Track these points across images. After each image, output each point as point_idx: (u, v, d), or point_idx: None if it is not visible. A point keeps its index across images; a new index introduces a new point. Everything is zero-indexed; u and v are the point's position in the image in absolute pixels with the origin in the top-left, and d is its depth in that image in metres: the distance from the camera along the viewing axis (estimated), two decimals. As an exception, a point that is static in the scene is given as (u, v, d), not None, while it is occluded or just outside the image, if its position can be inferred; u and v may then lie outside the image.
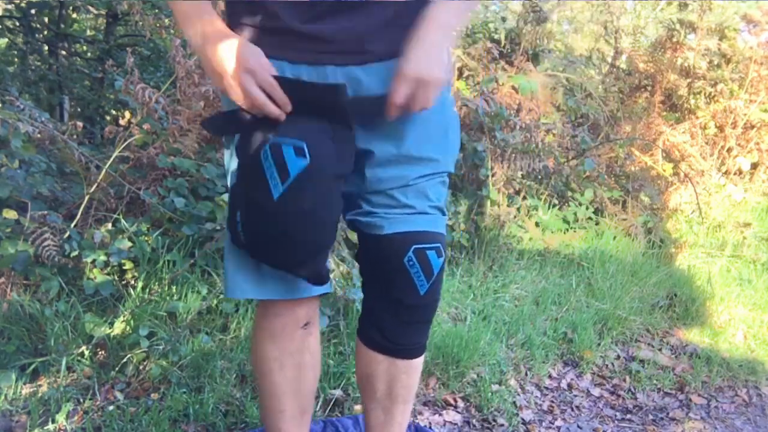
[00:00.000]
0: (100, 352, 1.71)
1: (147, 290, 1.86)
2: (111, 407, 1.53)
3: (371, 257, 1.12)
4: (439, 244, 1.08)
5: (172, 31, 2.47)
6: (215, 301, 1.89)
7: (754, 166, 4.64)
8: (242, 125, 1.00)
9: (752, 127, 4.57)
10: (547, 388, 2.06)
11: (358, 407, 1.70)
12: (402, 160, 1.06)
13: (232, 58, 0.93)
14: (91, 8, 4.27)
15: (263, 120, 0.97)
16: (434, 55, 0.97)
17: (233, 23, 1.02)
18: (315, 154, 0.93)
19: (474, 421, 1.78)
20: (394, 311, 1.12)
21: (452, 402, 1.84)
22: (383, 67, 1.00)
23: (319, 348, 1.19)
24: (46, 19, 3.94)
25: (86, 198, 1.94)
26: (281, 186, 0.92)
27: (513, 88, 3.52)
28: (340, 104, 0.97)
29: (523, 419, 1.84)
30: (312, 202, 0.96)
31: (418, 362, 1.21)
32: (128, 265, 1.90)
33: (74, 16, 4.52)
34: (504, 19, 4.53)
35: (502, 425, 1.78)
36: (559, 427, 1.85)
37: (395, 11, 0.99)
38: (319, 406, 1.68)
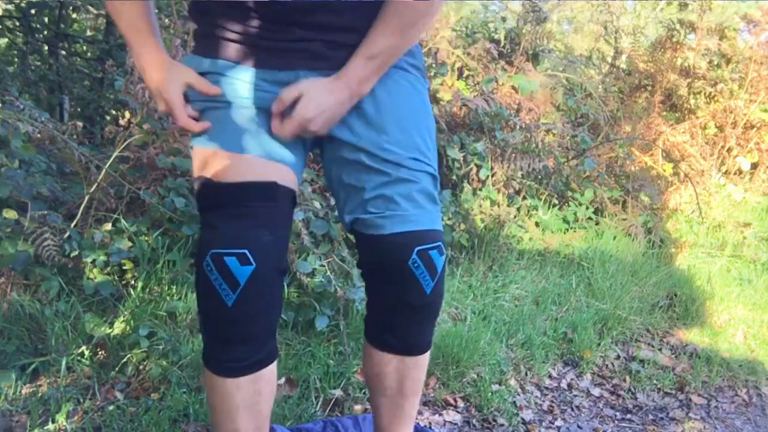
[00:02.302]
0: (100, 352, 1.71)
1: (147, 290, 1.86)
2: (111, 407, 1.53)
3: (374, 259, 1.12)
4: (440, 243, 1.10)
5: (171, 31, 2.47)
6: (215, 301, 1.89)
7: (754, 166, 4.63)
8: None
9: (752, 127, 4.57)
10: (547, 388, 2.06)
11: (358, 407, 1.70)
12: (389, 154, 1.09)
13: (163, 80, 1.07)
14: (91, 8, 4.26)
15: (205, 220, 1.04)
16: (329, 111, 1.04)
17: (204, 32, 1.10)
18: (259, 257, 0.98)
19: (474, 421, 1.78)
20: (402, 312, 1.13)
21: (452, 402, 1.84)
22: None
23: (276, 363, 1.17)
24: (46, 19, 3.93)
25: (86, 198, 1.94)
26: (233, 294, 0.98)
27: (513, 88, 3.52)
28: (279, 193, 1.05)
29: (523, 419, 1.84)
30: (264, 300, 1.02)
31: (426, 356, 1.23)
32: (128, 265, 1.90)
33: (74, 16, 4.52)
34: (504, 19, 4.52)
35: (502, 425, 1.78)
36: (559, 427, 1.85)
37: (351, 20, 1.05)
38: (319, 406, 1.68)
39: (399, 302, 1.12)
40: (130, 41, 1.09)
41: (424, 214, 1.09)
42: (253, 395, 1.10)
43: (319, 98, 1.02)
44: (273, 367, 1.13)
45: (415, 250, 1.06)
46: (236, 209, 1.01)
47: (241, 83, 1.06)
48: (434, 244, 1.08)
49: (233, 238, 0.98)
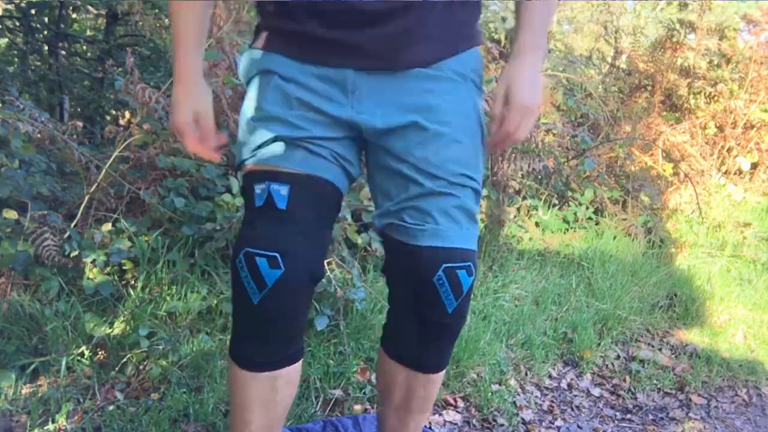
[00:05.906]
0: (100, 352, 1.71)
1: (147, 290, 1.86)
2: (111, 407, 1.53)
3: (400, 268, 1.09)
4: (470, 263, 1.05)
5: (172, 31, 2.47)
6: (215, 301, 1.89)
7: (754, 166, 4.63)
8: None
9: (752, 127, 4.57)
10: (547, 388, 2.06)
11: (358, 407, 1.70)
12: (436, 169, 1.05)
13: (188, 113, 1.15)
14: (91, 8, 4.27)
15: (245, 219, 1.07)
16: (538, 84, 1.02)
17: (262, 25, 1.10)
18: (289, 263, 0.98)
19: (474, 421, 1.78)
20: (418, 328, 1.09)
21: (452, 402, 1.84)
22: (410, 76, 1.03)
23: (300, 366, 1.15)
24: (46, 19, 3.94)
25: (86, 198, 1.94)
26: (259, 293, 0.99)
27: (513, 88, 3.51)
28: None
29: (523, 419, 1.84)
30: (291, 304, 1.02)
31: (438, 376, 1.19)
32: (128, 265, 1.90)
33: (74, 16, 4.53)
34: (504, 19, 4.53)
35: (502, 425, 1.78)
36: (559, 427, 1.85)
37: (424, 20, 1.01)
38: (319, 406, 1.68)
39: (417, 316, 1.08)
40: (177, 44, 1.17)
41: (459, 231, 1.04)
42: (270, 392, 1.09)
43: (524, 84, 1.01)
44: (295, 368, 1.11)
45: (442, 267, 1.02)
46: (277, 212, 1.01)
47: (287, 85, 1.04)
48: (463, 264, 1.04)
49: (268, 240, 0.99)
